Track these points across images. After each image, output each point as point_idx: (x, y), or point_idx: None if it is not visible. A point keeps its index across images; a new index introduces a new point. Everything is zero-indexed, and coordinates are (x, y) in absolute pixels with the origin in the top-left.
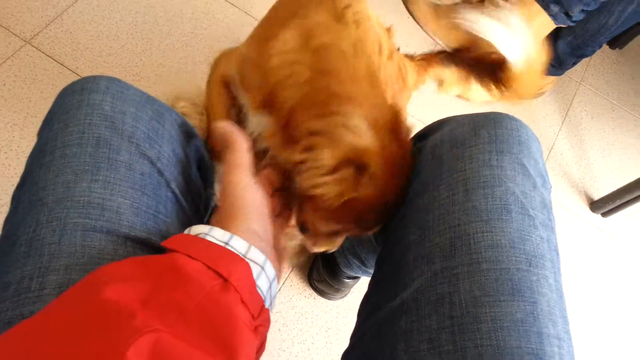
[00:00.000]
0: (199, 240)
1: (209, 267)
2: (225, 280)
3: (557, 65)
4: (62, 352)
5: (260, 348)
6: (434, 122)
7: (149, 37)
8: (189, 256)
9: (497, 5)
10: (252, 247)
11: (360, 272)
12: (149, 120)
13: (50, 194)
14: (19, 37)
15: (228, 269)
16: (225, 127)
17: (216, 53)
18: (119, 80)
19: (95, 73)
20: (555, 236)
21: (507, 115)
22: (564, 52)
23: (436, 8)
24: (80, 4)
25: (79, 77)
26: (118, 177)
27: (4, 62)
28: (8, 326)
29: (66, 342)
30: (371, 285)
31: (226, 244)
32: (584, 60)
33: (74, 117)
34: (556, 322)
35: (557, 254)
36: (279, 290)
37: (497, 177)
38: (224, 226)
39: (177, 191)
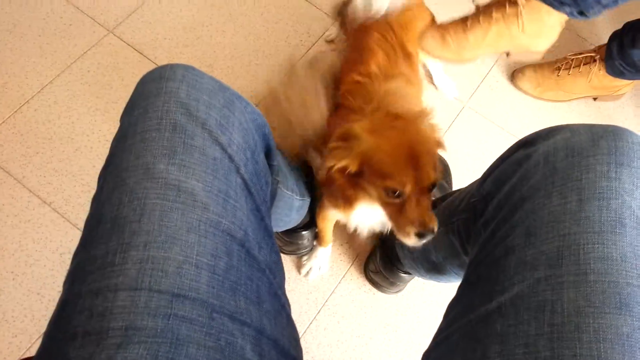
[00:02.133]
0: None
1: None
2: None
3: (634, 70)
4: None
5: None
6: (542, 130)
7: (223, 29)
8: None
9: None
10: None
11: (428, 276)
12: (221, 107)
13: (131, 175)
14: (102, 26)
15: None
16: None
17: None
18: (193, 69)
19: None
20: None
21: (626, 129)
22: None
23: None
24: None
25: (157, 66)
26: (192, 161)
27: (89, 49)
28: (95, 296)
29: None
30: (463, 286)
31: None
32: None
33: (152, 104)
34: None
35: None
36: (339, 283)
37: (614, 189)
38: None
39: (246, 177)
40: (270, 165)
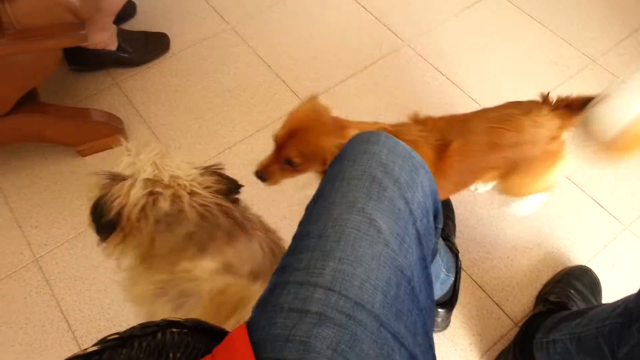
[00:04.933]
0: None
1: None
2: None
3: None
4: None
5: None
6: None
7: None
8: None
9: None
10: None
11: None
12: (409, 171)
13: (336, 208)
14: (299, 98)
15: None
16: None
17: None
18: (392, 137)
19: None
20: None
21: None
22: None
23: None
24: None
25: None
26: (382, 207)
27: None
28: (300, 286)
29: None
30: None
31: None
32: None
33: (359, 159)
34: None
35: None
36: None
37: None
38: None
39: (420, 229)
40: (435, 227)
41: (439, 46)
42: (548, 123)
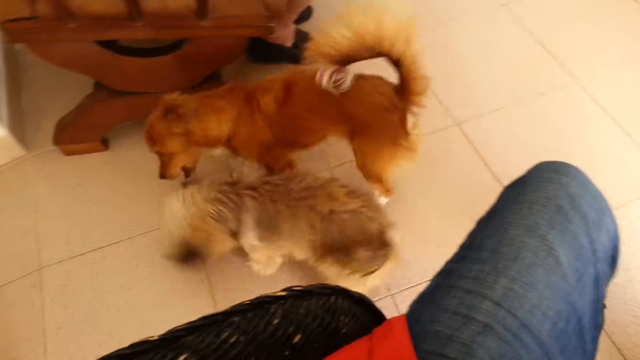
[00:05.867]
0: None
1: None
2: None
3: None
4: None
5: None
6: None
7: None
8: None
9: None
10: None
11: None
12: (597, 210)
13: (512, 229)
14: (451, 117)
15: None
16: None
17: None
18: (583, 173)
19: None
20: None
21: None
22: None
23: None
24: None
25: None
26: (564, 239)
27: (433, 132)
28: (467, 293)
29: None
30: None
31: None
32: None
33: (544, 187)
34: None
35: None
36: None
37: None
38: None
39: (599, 271)
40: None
41: (615, 90)
42: (387, 93)
